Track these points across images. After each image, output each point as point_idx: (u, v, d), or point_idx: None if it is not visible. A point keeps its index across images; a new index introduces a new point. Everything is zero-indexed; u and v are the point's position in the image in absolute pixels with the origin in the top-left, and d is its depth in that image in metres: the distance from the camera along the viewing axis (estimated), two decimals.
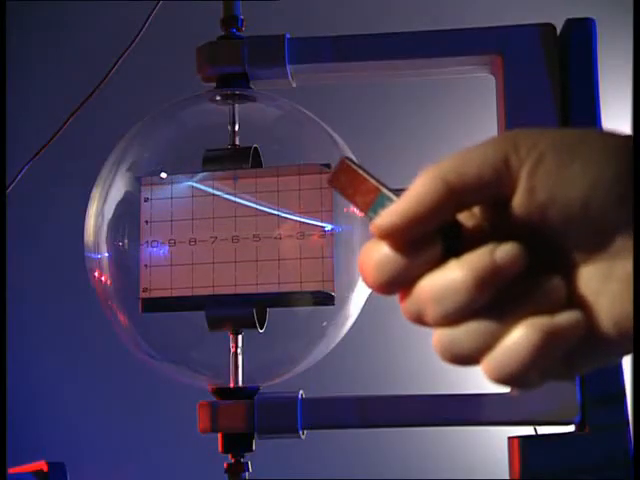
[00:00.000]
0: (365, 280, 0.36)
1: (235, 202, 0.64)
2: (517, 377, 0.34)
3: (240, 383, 0.66)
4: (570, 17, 0.65)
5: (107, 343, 0.87)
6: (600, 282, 0.35)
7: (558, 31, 0.65)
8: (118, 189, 0.67)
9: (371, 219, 0.36)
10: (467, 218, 0.36)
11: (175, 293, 0.64)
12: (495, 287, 0.34)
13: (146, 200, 0.65)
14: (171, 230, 0.64)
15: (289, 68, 0.68)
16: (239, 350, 0.67)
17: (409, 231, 0.35)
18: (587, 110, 0.64)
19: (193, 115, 0.71)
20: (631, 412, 0.61)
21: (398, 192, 0.36)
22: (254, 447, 0.66)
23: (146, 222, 0.65)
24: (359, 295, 0.68)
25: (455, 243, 0.35)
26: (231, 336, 0.67)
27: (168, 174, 0.65)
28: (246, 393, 0.66)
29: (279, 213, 0.64)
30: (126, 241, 0.66)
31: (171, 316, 0.66)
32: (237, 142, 0.68)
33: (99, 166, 0.69)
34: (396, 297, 0.36)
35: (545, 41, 0.65)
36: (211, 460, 0.68)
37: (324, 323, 0.67)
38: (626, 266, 0.34)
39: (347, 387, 1.04)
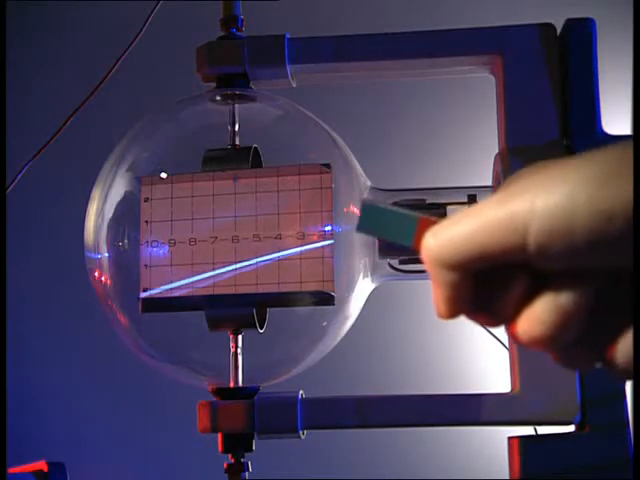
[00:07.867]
0: None
1: (235, 202, 0.64)
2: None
3: (240, 383, 0.66)
4: (570, 17, 0.65)
5: (107, 343, 0.87)
6: None
7: (558, 31, 0.65)
8: (118, 189, 0.67)
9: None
10: None
11: (175, 293, 0.64)
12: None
13: (146, 200, 0.65)
14: (171, 230, 0.64)
15: (289, 68, 0.68)
16: (239, 350, 0.67)
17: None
18: (587, 110, 0.64)
19: (193, 115, 0.71)
20: (631, 412, 0.61)
21: (433, 212, 0.36)
22: (254, 447, 0.66)
23: (146, 222, 0.65)
24: (359, 295, 0.68)
25: None
26: (231, 336, 0.67)
27: (168, 174, 0.65)
28: (246, 393, 0.66)
29: (279, 213, 0.64)
30: (126, 241, 0.66)
31: (171, 316, 0.66)
32: (237, 142, 0.68)
33: (99, 166, 0.69)
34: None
35: (545, 41, 0.65)
36: (211, 460, 0.68)
37: (324, 323, 0.67)
38: None
39: (347, 387, 1.04)
